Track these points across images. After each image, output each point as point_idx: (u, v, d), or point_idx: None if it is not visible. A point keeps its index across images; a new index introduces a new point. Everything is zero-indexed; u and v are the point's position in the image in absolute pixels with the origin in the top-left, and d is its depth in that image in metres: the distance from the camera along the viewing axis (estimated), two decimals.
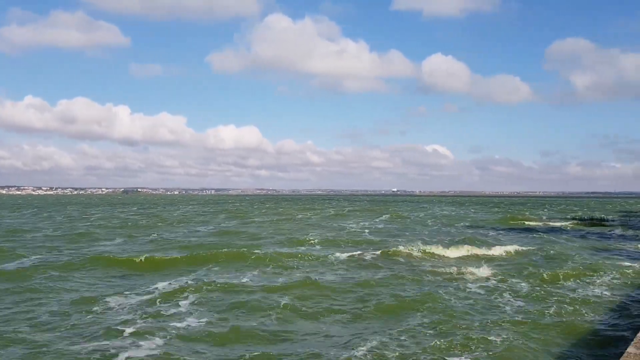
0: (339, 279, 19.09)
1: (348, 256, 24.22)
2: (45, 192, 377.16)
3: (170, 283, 17.83)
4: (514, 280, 18.88)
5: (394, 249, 26.53)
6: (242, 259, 23.00)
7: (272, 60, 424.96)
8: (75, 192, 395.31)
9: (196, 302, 15.12)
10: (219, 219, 55.85)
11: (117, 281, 18.68)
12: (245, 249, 25.59)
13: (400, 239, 32.57)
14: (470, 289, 17.36)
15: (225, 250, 25.26)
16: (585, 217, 58.76)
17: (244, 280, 18.59)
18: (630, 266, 21.91)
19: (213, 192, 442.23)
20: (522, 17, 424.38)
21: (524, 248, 27.96)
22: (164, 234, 36.04)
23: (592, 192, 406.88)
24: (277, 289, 16.83)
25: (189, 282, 18.00)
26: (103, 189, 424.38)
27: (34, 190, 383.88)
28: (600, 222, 52.74)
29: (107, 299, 15.23)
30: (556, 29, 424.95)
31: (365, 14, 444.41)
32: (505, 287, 17.68)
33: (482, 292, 16.92)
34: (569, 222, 52.61)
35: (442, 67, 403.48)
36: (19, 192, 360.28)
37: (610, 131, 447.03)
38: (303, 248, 28.09)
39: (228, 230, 40.06)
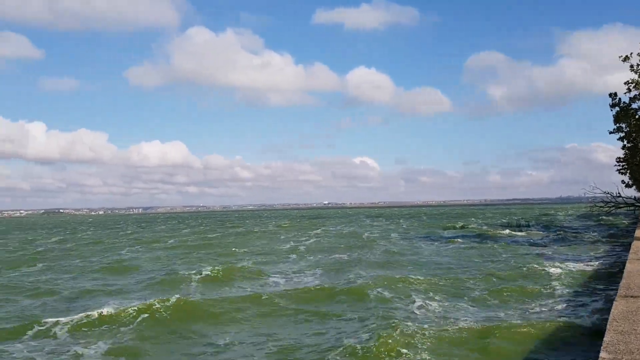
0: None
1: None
2: None
3: None
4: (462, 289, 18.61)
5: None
6: None
7: (194, 74, 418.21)
8: None
9: None
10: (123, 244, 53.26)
11: None
12: None
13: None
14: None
15: None
16: (523, 224, 60.87)
17: None
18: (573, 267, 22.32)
19: (140, 210, 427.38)
20: (440, 31, 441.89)
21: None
22: None
23: (512, 200, 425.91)
24: None
25: None
26: (22, 211, 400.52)
27: None
28: (527, 226, 54.68)
29: None
30: (473, 42, 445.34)
31: (288, 27, 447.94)
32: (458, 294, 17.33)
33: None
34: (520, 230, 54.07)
35: (366, 79, 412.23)
36: None
37: (525, 141, 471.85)
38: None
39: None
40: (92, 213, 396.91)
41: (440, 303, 17.14)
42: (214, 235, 58.43)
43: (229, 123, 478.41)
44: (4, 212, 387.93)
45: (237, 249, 37.96)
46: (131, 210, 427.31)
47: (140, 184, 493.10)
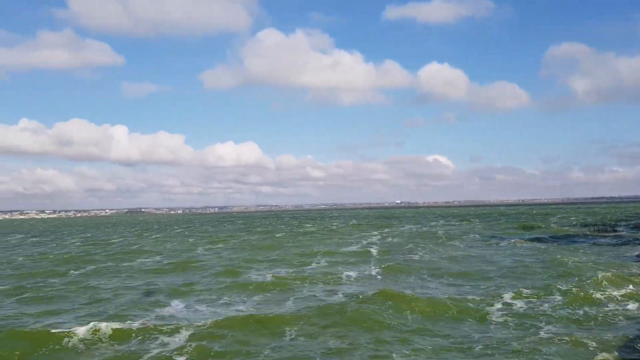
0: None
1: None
2: (48, 216, 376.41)
3: None
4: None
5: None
6: None
7: (266, 76, 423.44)
8: (79, 215, 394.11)
9: None
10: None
11: None
12: None
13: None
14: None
15: None
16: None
17: None
18: None
19: (216, 210, 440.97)
20: (517, 23, 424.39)
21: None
22: None
23: (597, 198, 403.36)
24: None
25: None
26: (107, 210, 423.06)
27: (37, 214, 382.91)
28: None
29: None
30: (552, 33, 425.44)
31: (358, 25, 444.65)
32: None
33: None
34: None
35: (438, 75, 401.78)
36: (22, 217, 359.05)
37: (610, 135, 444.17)
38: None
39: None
40: (172, 212, 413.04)
41: (519, 311, 16.08)
42: (285, 234, 58.75)
43: (300, 123, 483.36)
44: (91, 212, 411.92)
45: (307, 249, 37.85)
46: (207, 209, 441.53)
47: (215, 184, 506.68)
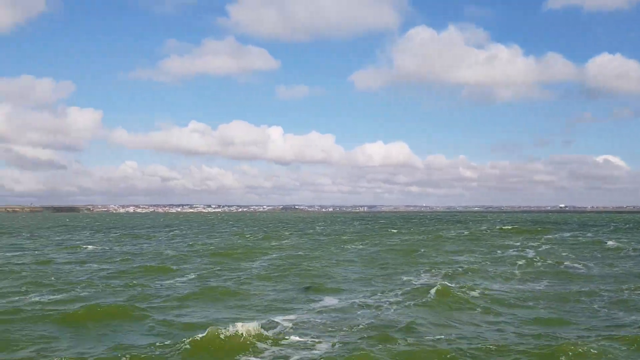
0: None
1: None
2: (214, 210, 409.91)
3: None
4: None
5: None
6: None
7: (417, 74, 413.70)
8: (240, 210, 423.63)
9: None
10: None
11: None
12: None
13: None
14: None
15: None
16: None
17: None
18: None
19: (365, 208, 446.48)
20: None
21: None
22: None
23: None
24: None
25: None
26: (264, 206, 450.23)
27: (204, 208, 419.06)
28: None
29: None
30: None
31: (516, 16, 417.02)
32: None
33: None
34: None
35: (609, 67, 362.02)
36: (192, 210, 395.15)
37: None
38: None
39: None
40: (323, 210, 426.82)
41: None
42: (432, 236, 56.43)
43: (452, 121, 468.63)
44: (250, 207, 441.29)
45: (454, 255, 35.71)
46: (357, 208, 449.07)
47: (364, 183, 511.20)
